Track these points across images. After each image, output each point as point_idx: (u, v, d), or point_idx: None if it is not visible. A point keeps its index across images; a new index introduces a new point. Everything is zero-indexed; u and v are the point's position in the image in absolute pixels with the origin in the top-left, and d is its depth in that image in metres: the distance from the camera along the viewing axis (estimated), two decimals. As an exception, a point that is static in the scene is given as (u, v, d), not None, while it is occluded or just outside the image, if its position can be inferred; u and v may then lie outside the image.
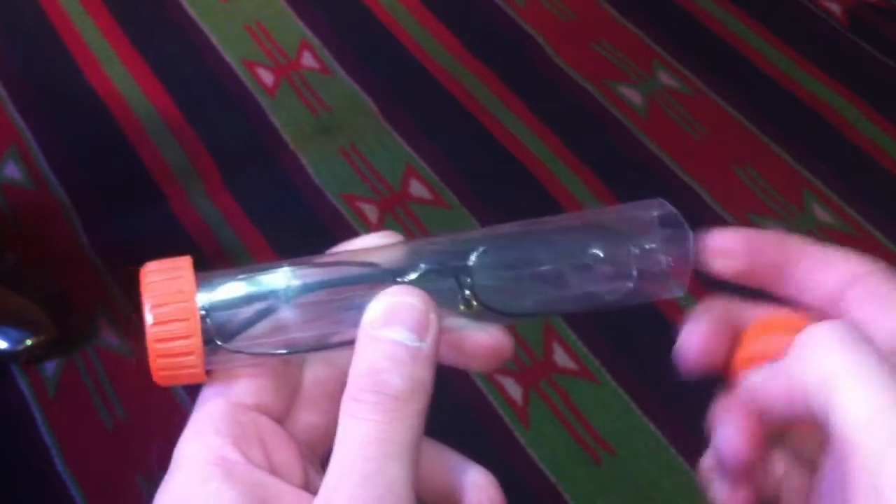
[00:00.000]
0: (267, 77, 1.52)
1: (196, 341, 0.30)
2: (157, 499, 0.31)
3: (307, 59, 1.55)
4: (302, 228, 1.32)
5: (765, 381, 0.32)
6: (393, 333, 0.30)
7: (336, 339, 0.33)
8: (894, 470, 0.26)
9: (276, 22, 1.61)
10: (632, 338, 1.20)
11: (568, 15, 1.66)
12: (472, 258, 0.32)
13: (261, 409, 0.33)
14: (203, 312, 0.31)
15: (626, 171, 1.43)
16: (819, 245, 0.34)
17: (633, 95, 1.53)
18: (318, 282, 0.32)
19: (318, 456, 0.35)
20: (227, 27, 1.59)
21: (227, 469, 0.30)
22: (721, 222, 1.26)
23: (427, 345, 0.31)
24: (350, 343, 0.31)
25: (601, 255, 0.33)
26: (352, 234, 1.30)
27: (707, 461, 0.36)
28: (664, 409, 1.17)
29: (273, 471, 0.32)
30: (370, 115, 1.48)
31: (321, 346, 0.33)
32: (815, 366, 0.29)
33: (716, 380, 0.35)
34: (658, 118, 1.51)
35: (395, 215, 1.35)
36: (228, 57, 1.54)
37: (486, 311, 0.33)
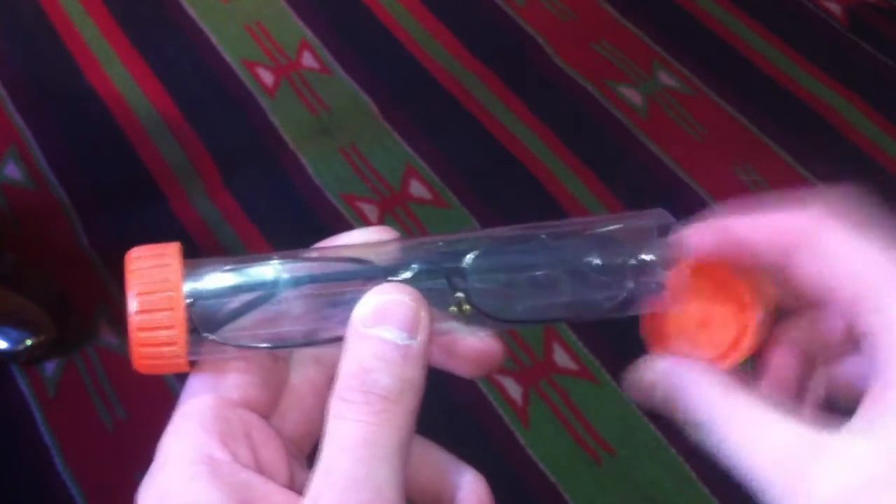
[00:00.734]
0: (267, 77, 1.52)
1: (180, 332, 0.30)
2: (141, 494, 0.31)
3: (307, 59, 1.55)
4: (302, 228, 1.32)
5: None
6: (383, 332, 0.30)
7: (324, 335, 0.32)
8: None
9: (276, 22, 1.61)
10: (632, 338, 1.20)
11: (568, 15, 1.66)
12: (466, 260, 0.32)
13: (247, 405, 0.33)
14: (189, 301, 0.30)
15: (626, 171, 1.43)
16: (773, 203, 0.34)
17: (633, 95, 1.53)
18: (308, 276, 0.32)
19: (304, 453, 0.35)
20: (227, 27, 1.59)
21: (213, 468, 0.30)
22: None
23: (418, 343, 0.30)
24: (339, 340, 0.31)
25: (597, 263, 0.33)
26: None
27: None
28: (664, 409, 1.17)
29: (260, 469, 0.31)
30: (370, 115, 1.48)
31: (309, 341, 0.32)
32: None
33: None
34: (658, 118, 1.51)
35: (395, 215, 1.35)
36: (228, 57, 1.54)
37: (477, 315, 0.32)
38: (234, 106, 1.48)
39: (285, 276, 0.32)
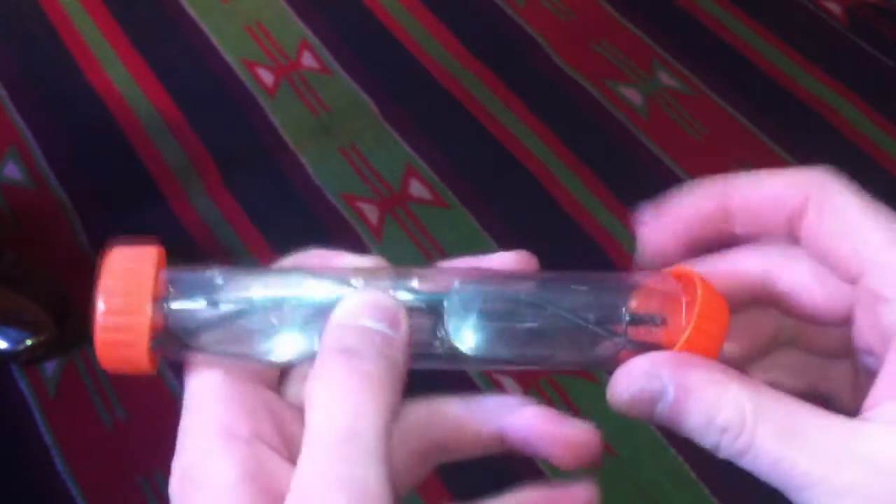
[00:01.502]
0: (267, 77, 1.52)
1: (143, 339, 0.30)
2: (172, 474, 0.30)
3: (307, 59, 1.55)
4: (302, 228, 1.32)
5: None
6: (368, 322, 0.29)
7: (297, 352, 0.31)
8: None
9: (276, 22, 1.61)
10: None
11: (568, 15, 1.66)
12: (449, 297, 0.31)
13: (261, 380, 0.32)
14: (162, 308, 0.30)
15: (626, 171, 1.43)
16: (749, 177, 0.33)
17: (633, 95, 1.53)
18: (285, 293, 0.31)
19: None
20: (227, 27, 1.59)
21: (230, 444, 0.29)
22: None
23: (401, 336, 0.29)
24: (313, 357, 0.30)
25: (592, 318, 0.32)
26: (352, 234, 1.31)
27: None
28: (664, 409, 1.17)
29: (285, 444, 0.31)
30: (370, 115, 1.48)
31: (281, 359, 0.32)
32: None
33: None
34: (658, 118, 1.51)
35: (395, 215, 1.35)
36: (228, 57, 1.54)
37: (457, 353, 0.32)
38: (234, 106, 1.48)
39: (261, 291, 0.31)
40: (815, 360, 0.34)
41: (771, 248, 0.32)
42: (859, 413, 0.29)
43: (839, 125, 1.51)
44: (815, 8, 1.69)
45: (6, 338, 1.16)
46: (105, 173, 1.40)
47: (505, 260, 0.34)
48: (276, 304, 0.31)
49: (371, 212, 1.35)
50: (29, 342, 1.16)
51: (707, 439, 0.29)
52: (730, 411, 0.28)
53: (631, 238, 0.34)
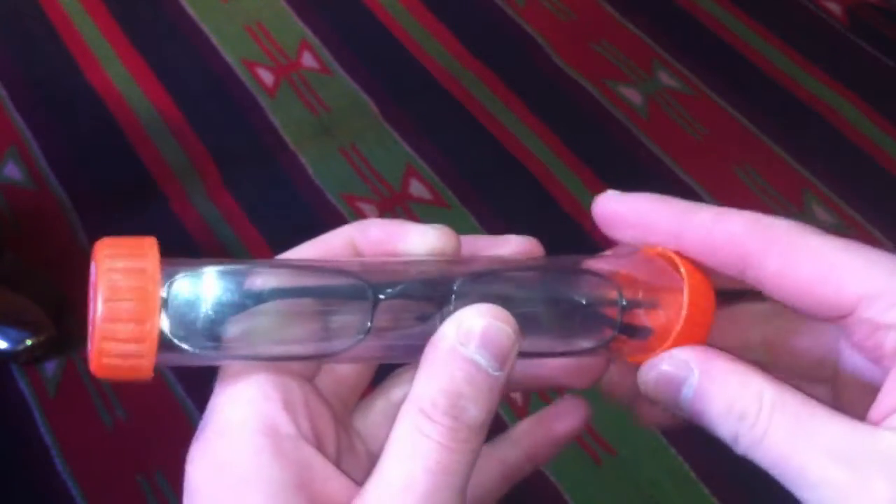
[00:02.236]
0: (267, 77, 1.52)
1: (150, 345, 0.28)
2: (193, 458, 0.30)
3: (307, 59, 1.55)
4: (302, 228, 1.31)
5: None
6: (479, 356, 0.29)
7: (307, 348, 0.31)
8: None
9: (276, 22, 1.61)
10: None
11: (568, 15, 1.66)
12: (456, 286, 0.31)
13: (299, 371, 0.32)
14: (163, 309, 0.28)
15: (626, 171, 1.43)
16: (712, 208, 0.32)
17: (633, 95, 1.53)
18: (290, 287, 0.31)
19: (349, 407, 0.34)
20: (227, 27, 1.59)
21: (277, 442, 0.29)
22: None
23: (503, 377, 0.29)
24: (323, 356, 0.30)
25: (586, 302, 0.32)
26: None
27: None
28: (664, 409, 1.17)
29: (318, 441, 0.31)
30: (370, 115, 1.48)
31: (288, 356, 0.31)
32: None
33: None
34: (658, 118, 1.51)
35: (395, 215, 1.35)
36: (228, 57, 1.54)
37: None
38: (234, 106, 1.48)
39: (266, 284, 0.30)
40: (792, 382, 0.35)
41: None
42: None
43: (839, 125, 1.51)
44: (815, 8, 1.69)
45: (6, 338, 1.16)
46: (105, 173, 1.40)
47: (514, 244, 0.34)
48: (278, 301, 0.30)
49: (371, 212, 1.35)
50: (29, 342, 1.16)
51: (725, 427, 0.29)
52: (749, 399, 0.29)
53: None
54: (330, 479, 0.30)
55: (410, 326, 0.31)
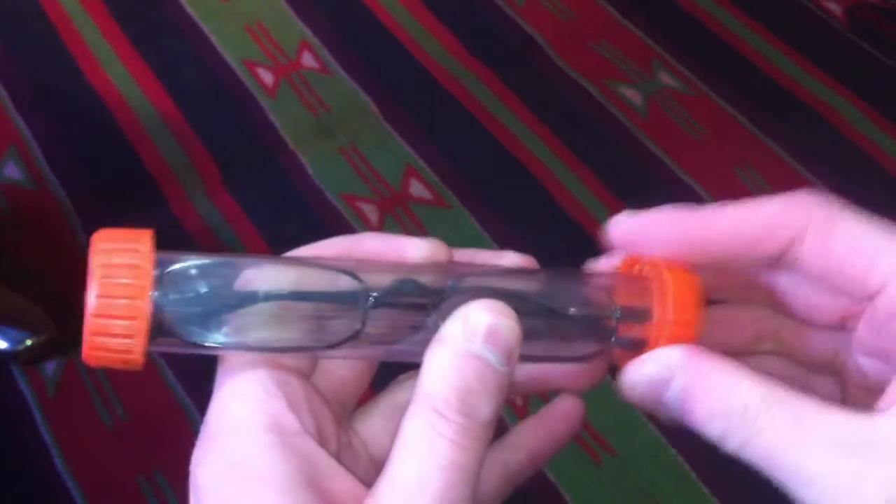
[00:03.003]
0: (267, 77, 1.52)
1: (139, 340, 0.28)
2: (200, 460, 0.30)
3: (307, 59, 1.55)
4: (302, 228, 1.32)
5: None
6: (488, 353, 0.29)
7: (301, 340, 0.31)
8: None
9: (276, 22, 1.61)
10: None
11: (568, 15, 1.66)
12: (449, 289, 0.31)
13: (298, 368, 0.32)
14: (155, 302, 0.28)
15: (626, 171, 1.43)
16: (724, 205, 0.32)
17: (633, 95, 1.53)
18: (285, 284, 0.31)
19: (348, 409, 0.34)
20: (227, 27, 1.59)
21: (285, 439, 0.29)
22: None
23: (509, 372, 0.29)
24: (308, 349, 0.30)
25: (579, 308, 0.32)
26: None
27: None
28: (664, 409, 1.17)
29: (320, 438, 0.31)
30: (370, 115, 1.48)
31: (280, 347, 0.31)
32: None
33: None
34: (658, 118, 1.51)
35: (395, 215, 1.35)
36: (228, 57, 1.54)
37: None
38: (234, 106, 1.48)
39: (259, 277, 0.30)
40: (800, 371, 0.34)
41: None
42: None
43: (839, 125, 1.51)
44: (815, 8, 1.69)
45: (6, 338, 1.16)
46: (105, 173, 1.40)
47: (511, 261, 0.34)
48: (271, 297, 0.30)
49: (371, 212, 1.35)
50: (29, 342, 1.16)
51: (714, 427, 0.29)
52: (739, 396, 0.28)
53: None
54: (335, 475, 0.30)
55: (406, 321, 0.31)
